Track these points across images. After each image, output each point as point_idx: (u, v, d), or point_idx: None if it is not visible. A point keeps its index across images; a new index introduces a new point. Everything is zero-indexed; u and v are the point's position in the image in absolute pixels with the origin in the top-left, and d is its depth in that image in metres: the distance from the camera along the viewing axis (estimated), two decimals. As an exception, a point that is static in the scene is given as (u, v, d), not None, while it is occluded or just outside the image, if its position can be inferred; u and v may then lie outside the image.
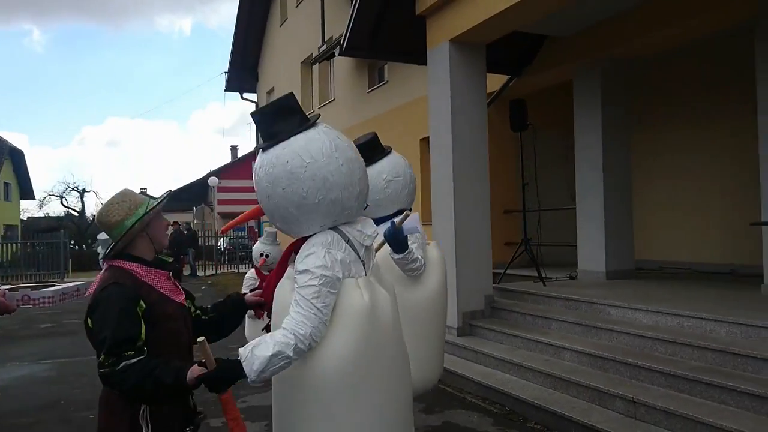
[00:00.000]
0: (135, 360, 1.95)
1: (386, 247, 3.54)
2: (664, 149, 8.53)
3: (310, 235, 2.15)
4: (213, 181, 29.79)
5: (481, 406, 5.30)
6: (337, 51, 7.80)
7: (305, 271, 2.00)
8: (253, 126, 20.56)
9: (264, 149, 2.13)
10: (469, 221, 6.81)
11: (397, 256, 3.47)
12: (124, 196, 2.22)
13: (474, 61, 6.89)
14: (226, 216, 31.99)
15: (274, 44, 19.74)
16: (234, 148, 50.14)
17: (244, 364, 1.92)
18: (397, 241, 3.40)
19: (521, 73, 8.60)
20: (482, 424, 4.85)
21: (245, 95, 21.38)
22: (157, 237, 2.26)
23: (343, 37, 7.55)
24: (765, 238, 5.89)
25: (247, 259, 23.48)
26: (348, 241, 2.14)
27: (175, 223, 19.92)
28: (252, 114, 2.26)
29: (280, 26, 18.95)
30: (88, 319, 2.10)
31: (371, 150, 3.94)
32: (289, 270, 2.20)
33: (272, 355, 1.92)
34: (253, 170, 2.19)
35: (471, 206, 6.84)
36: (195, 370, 1.95)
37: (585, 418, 4.48)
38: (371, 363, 2.03)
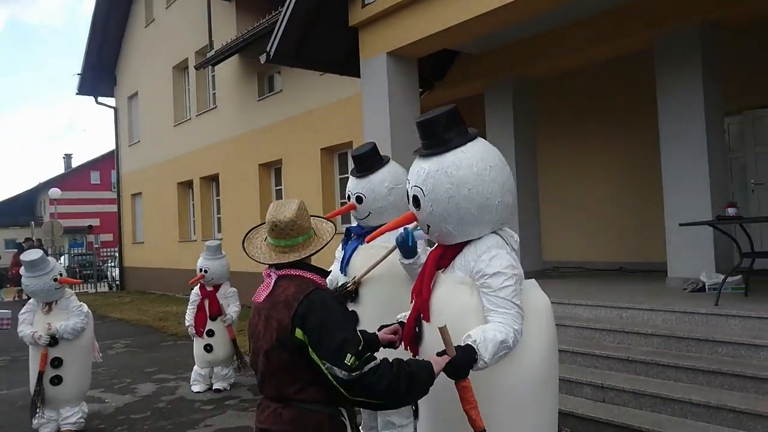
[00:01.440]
0: (376, 361, 1.93)
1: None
2: (565, 160, 9.44)
3: (465, 242, 2.23)
4: (54, 192, 27.01)
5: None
6: (262, 58, 7.59)
7: (497, 273, 2.10)
8: (83, 132, 18.81)
9: (435, 153, 2.20)
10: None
11: (406, 261, 3.58)
12: (304, 204, 2.24)
13: (409, 73, 7.16)
14: (68, 231, 29.20)
15: (137, 46, 18.50)
16: (68, 157, 45.87)
17: (479, 347, 1.97)
18: (407, 246, 3.52)
19: (433, 86, 9.04)
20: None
21: (100, 99, 19.77)
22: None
23: (269, 44, 7.41)
24: (669, 238, 6.80)
25: (93, 277, 21.67)
26: (507, 243, 2.24)
27: (29, 239, 17.77)
28: (421, 121, 2.30)
29: (146, 27, 17.83)
30: (297, 330, 1.99)
31: (371, 159, 4.03)
32: (453, 276, 2.24)
33: (502, 341, 2.01)
34: (418, 173, 2.24)
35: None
36: (439, 361, 1.97)
37: (561, 406, 4.87)
38: (555, 360, 2.17)
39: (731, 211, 5.49)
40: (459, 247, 2.30)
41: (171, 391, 6.52)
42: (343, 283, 3.96)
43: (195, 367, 6.47)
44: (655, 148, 6.99)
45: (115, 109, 20.10)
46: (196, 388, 6.39)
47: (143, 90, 18.27)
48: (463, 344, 2.00)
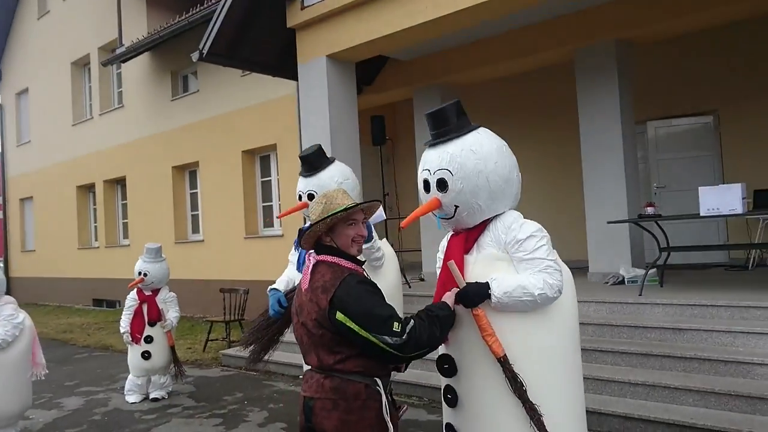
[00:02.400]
0: (411, 321, 2.18)
1: None
2: None
3: (487, 222, 2.51)
4: None
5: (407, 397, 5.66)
6: (194, 56, 7.38)
7: (530, 236, 2.38)
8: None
9: (455, 137, 2.47)
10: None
11: (365, 246, 3.78)
12: (324, 197, 2.39)
13: (348, 76, 7.26)
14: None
15: (27, 39, 17.19)
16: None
17: (493, 283, 2.28)
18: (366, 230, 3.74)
19: (362, 90, 9.19)
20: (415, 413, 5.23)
21: (-18, 95, 18.17)
22: (340, 242, 2.39)
23: (202, 43, 7.24)
24: (590, 237, 7.37)
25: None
26: None
27: None
28: (434, 112, 2.55)
29: (38, 19, 16.62)
30: (338, 314, 2.17)
31: (319, 159, 4.22)
32: (487, 254, 2.46)
33: (520, 285, 2.29)
34: (440, 158, 2.48)
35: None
36: (450, 295, 2.29)
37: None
38: (578, 326, 2.51)
39: (650, 210, 6.07)
40: (480, 228, 2.51)
41: (103, 403, 6.17)
42: None
43: (130, 376, 6.16)
44: (576, 154, 7.55)
45: (0, 107, 18.53)
46: (131, 399, 6.08)
47: (34, 86, 16.99)
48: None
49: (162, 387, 6.19)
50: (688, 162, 8.24)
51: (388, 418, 2.25)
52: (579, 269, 8.00)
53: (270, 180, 11.34)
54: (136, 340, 6.04)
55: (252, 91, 10.83)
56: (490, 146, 2.48)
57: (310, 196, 4.16)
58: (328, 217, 2.31)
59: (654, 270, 6.44)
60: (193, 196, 12.82)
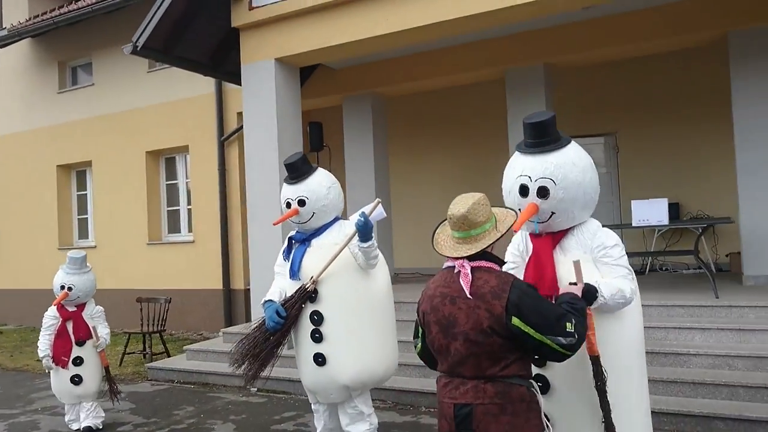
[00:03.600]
0: (572, 319, 2.27)
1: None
2: (412, 176, 10.17)
3: (570, 228, 2.75)
4: None
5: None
6: (127, 49, 6.84)
7: (616, 245, 2.69)
8: None
9: (557, 148, 2.67)
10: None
11: (364, 245, 3.94)
12: (483, 198, 2.42)
13: (294, 81, 7.19)
14: None
15: None
16: None
17: (600, 286, 2.51)
18: (367, 229, 3.88)
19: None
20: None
21: None
22: (493, 248, 2.43)
23: (137, 35, 6.79)
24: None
25: None
26: None
27: None
28: (536, 122, 2.71)
29: None
30: (513, 319, 2.19)
31: (305, 165, 4.29)
32: (572, 255, 2.67)
33: (620, 289, 2.56)
34: (544, 167, 2.65)
35: (291, 225, 7.04)
36: (575, 290, 2.44)
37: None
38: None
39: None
40: (563, 233, 2.74)
41: (31, 426, 5.56)
42: (302, 285, 4.03)
43: (66, 405, 5.47)
44: (501, 167, 8.08)
45: None
46: (75, 426, 5.38)
47: None
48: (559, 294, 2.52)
49: (95, 416, 5.37)
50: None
51: (544, 418, 2.35)
52: None
53: (176, 183, 10.78)
54: (62, 363, 5.23)
55: (160, 88, 10.27)
56: (587, 160, 2.73)
57: (301, 202, 4.12)
58: (507, 231, 2.38)
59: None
60: (82, 198, 11.81)
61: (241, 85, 7.87)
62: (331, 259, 3.95)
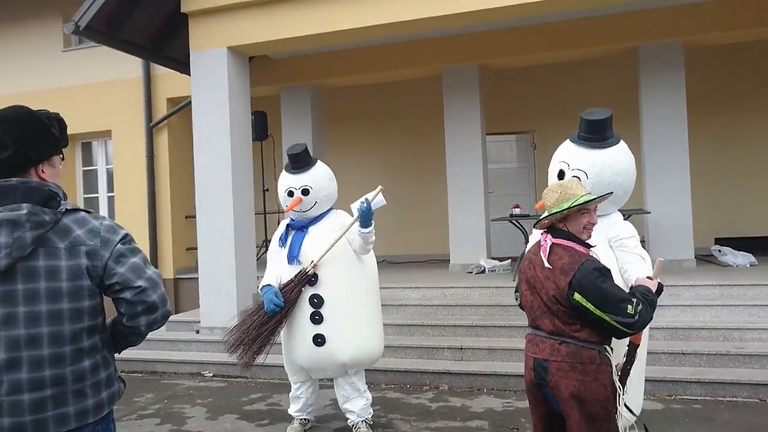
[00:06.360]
0: (639, 304, 2.56)
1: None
2: (357, 167, 10.37)
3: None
4: None
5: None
6: (68, 28, 6.50)
7: (632, 236, 3.05)
8: None
9: (604, 146, 3.03)
10: (243, 224, 7.10)
11: (365, 230, 4.29)
12: (560, 186, 2.74)
13: (244, 70, 7.22)
14: None
15: None
16: None
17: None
18: (368, 215, 4.22)
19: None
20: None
21: None
22: (573, 228, 2.74)
23: (80, 14, 6.52)
24: (452, 233, 8.49)
25: None
26: None
27: None
28: (595, 120, 3.05)
29: None
30: (575, 294, 2.54)
31: (308, 156, 4.57)
32: (594, 240, 2.96)
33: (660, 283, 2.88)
34: (583, 159, 3.02)
35: (243, 210, 7.12)
36: (651, 284, 2.73)
37: (429, 367, 5.89)
38: None
39: (517, 210, 7.36)
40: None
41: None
42: (301, 269, 4.26)
43: None
44: (440, 160, 8.62)
45: None
46: None
47: None
48: (636, 284, 2.83)
49: None
50: (511, 171, 9.97)
51: (617, 381, 2.68)
52: (437, 261, 9.18)
53: (95, 170, 10.31)
54: None
55: (78, 69, 9.78)
56: (626, 163, 3.07)
57: (305, 192, 4.33)
58: (570, 207, 2.64)
59: (508, 261, 7.81)
60: (-19, 184, 10.91)
61: (182, 71, 7.85)
62: (332, 244, 4.20)
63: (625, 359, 2.81)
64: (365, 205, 4.17)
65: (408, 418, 4.87)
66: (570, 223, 2.72)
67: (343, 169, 10.49)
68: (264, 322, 4.22)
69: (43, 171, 1.99)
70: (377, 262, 4.72)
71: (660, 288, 2.78)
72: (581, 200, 2.67)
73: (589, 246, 2.75)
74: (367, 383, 4.57)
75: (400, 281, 7.49)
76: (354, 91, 10.07)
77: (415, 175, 10.30)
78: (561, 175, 3.10)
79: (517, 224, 7.37)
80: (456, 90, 8.40)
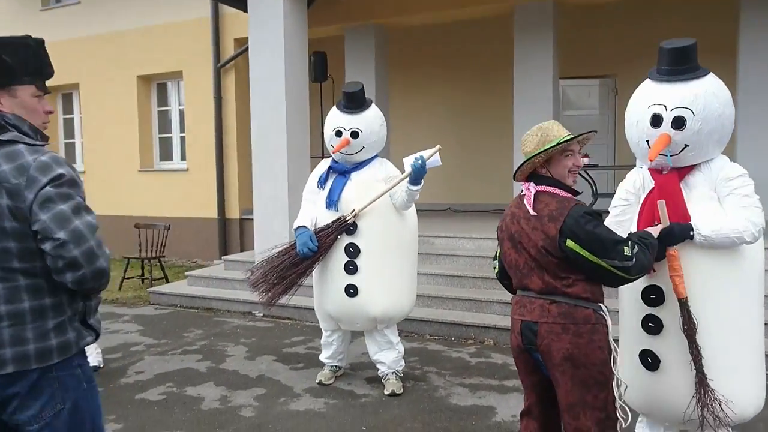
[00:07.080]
0: (632, 244, 2.30)
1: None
2: (414, 110, 10.09)
3: (695, 165, 2.63)
4: None
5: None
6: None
7: (739, 176, 2.56)
8: None
9: (697, 77, 2.54)
10: (298, 167, 7.02)
11: (413, 188, 4.02)
12: (540, 129, 2.48)
13: (301, 9, 7.01)
14: None
15: None
16: None
17: (697, 224, 2.46)
18: (421, 173, 3.94)
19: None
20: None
21: None
22: (556, 173, 2.48)
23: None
24: (515, 184, 8.04)
25: None
26: None
27: None
28: (677, 47, 2.57)
29: None
30: (568, 241, 2.29)
31: (363, 97, 4.28)
32: (699, 193, 2.61)
33: (726, 222, 2.44)
34: (683, 96, 2.51)
35: (297, 153, 7.04)
36: (654, 230, 2.47)
37: (478, 321, 5.68)
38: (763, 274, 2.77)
39: (586, 160, 6.82)
40: (689, 169, 2.62)
41: None
42: (340, 216, 4.09)
43: None
44: (508, 108, 8.11)
45: None
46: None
47: None
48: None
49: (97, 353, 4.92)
50: (591, 119, 9.27)
51: (612, 342, 2.43)
52: (484, 212, 8.81)
53: (168, 110, 10.57)
54: None
55: (152, 10, 9.91)
56: (727, 93, 2.55)
57: (354, 134, 4.13)
58: (549, 149, 2.39)
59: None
60: (68, 122, 11.54)
61: (244, 10, 7.69)
62: (378, 196, 4.02)
63: (682, 326, 2.47)
64: (420, 162, 3.92)
65: (444, 372, 4.71)
66: (553, 167, 2.47)
67: (405, 115, 10.33)
68: (294, 264, 4.11)
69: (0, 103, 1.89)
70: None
71: (672, 231, 2.48)
72: (564, 138, 2.42)
73: (576, 192, 2.51)
74: (411, 333, 4.43)
75: (456, 231, 7.22)
76: (420, 33, 9.62)
77: (482, 123, 9.82)
78: (657, 120, 2.56)
79: (587, 176, 6.84)
80: (528, 30, 7.78)
